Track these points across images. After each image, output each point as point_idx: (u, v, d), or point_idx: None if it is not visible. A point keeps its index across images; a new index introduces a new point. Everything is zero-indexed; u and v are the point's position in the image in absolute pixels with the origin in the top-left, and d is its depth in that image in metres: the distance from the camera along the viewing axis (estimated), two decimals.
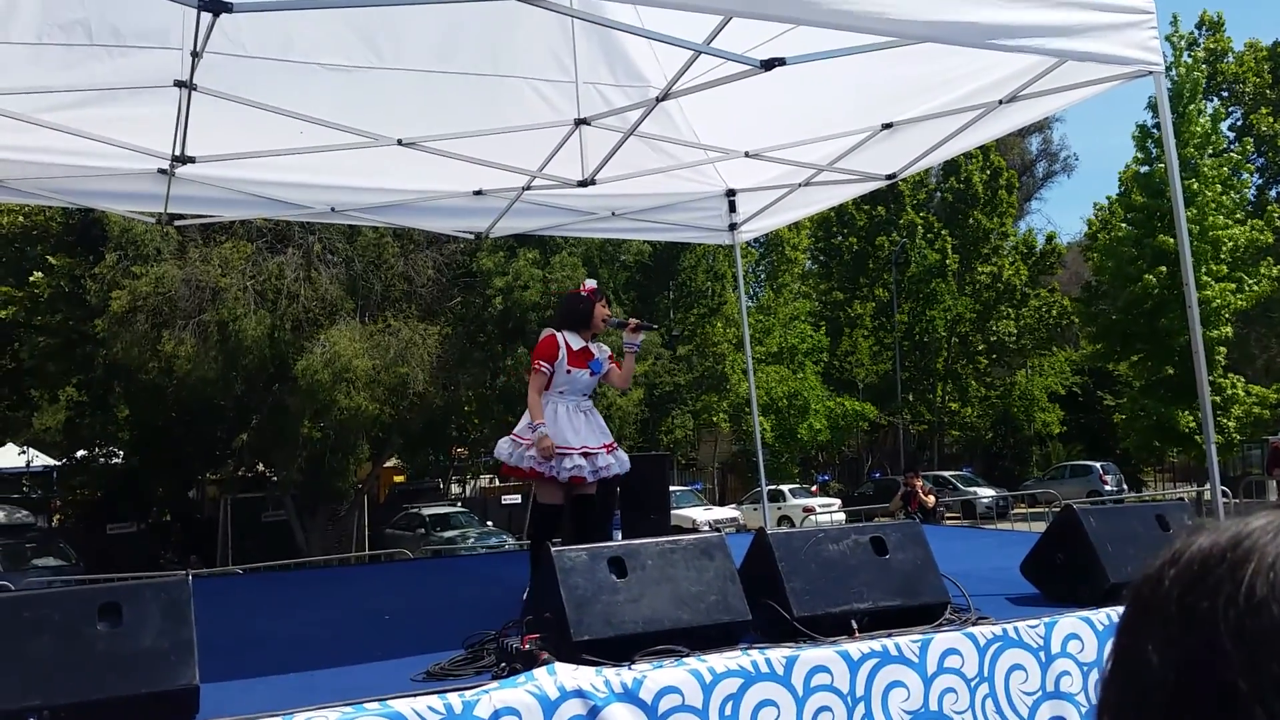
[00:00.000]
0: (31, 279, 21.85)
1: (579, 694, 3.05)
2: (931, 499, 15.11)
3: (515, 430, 5.17)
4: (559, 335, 5.17)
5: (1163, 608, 0.70)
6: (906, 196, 39.03)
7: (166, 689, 2.92)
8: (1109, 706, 0.72)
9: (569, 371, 5.09)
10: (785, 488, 31.30)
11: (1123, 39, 4.46)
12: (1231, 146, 28.39)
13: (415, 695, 2.93)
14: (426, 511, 27.73)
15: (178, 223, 7.96)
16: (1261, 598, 0.65)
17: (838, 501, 31.03)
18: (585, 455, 4.96)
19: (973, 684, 3.59)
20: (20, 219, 22.10)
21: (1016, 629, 3.75)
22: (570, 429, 5.01)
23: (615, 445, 5.20)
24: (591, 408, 5.22)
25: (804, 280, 41.03)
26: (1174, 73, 26.34)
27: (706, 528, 22.92)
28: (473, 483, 36.17)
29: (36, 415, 25.04)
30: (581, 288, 5.43)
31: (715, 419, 33.77)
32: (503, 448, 5.17)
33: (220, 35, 5.03)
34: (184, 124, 5.65)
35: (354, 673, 3.64)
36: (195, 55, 5.07)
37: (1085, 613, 3.94)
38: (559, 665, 3.12)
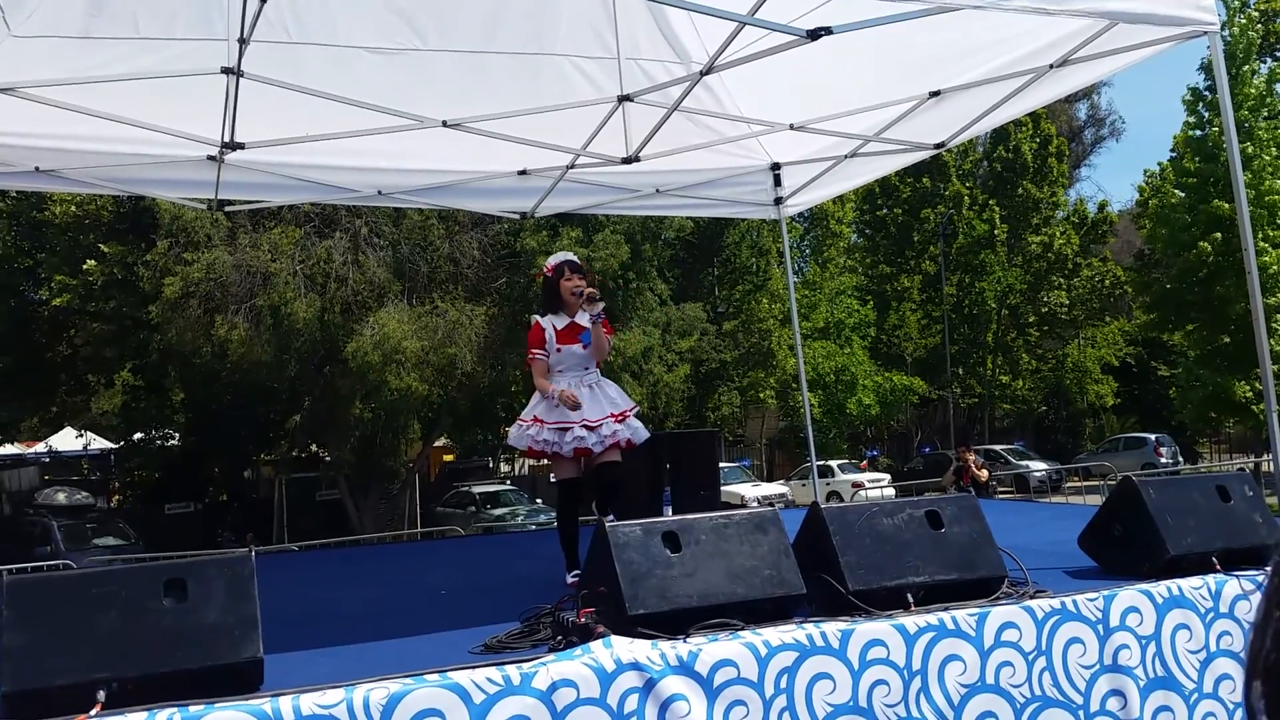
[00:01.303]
0: (85, 267, 22.26)
1: (635, 666, 3.07)
2: (984, 473, 15.05)
3: (521, 413, 5.21)
4: (542, 320, 5.19)
5: None
6: (951, 167, 38.50)
7: (231, 661, 2.98)
8: (1265, 652, 0.70)
9: (559, 350, 5.10)
10: (834, 463, 31.16)
11: None
12: None
13: (474, 667, 2.97)
14: (476, 490, 28.01)
15: (228, 209, 8.07)
16: None
17: (887, 476, 30.85)
18: (587, 428, 4.95)
19: (1030, 657, 3.56)
20: (73, 208, 22.49)
21: (1075, 602, 3.71)
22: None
23: (626, 415, 5.11)
24: (599, 380, 5.20)
25: (849, 254, 40.66)
26: (1227, 33, 25.65)
27: (756, 503, 22.92)
28: (521, 461, 36.44)
29: (93, 400, 25.60)
30: (545, 268, 5.39)
31: (762, 395, 33.66)
32: (512, 433, 5.22)
33: (265, 23, 5.08)
34: (233, 110, 5.71)
35: (412, 645, 3.69)
36: (242, 42, 5.13)
37: (1145, 585, 3.88)
38: (615, 638, 3.14)
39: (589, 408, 5.04)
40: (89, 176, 6.71)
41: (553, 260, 5.36)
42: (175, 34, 5.42)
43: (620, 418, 5.07)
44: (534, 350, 5.15)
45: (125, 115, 5.93)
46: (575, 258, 5.40)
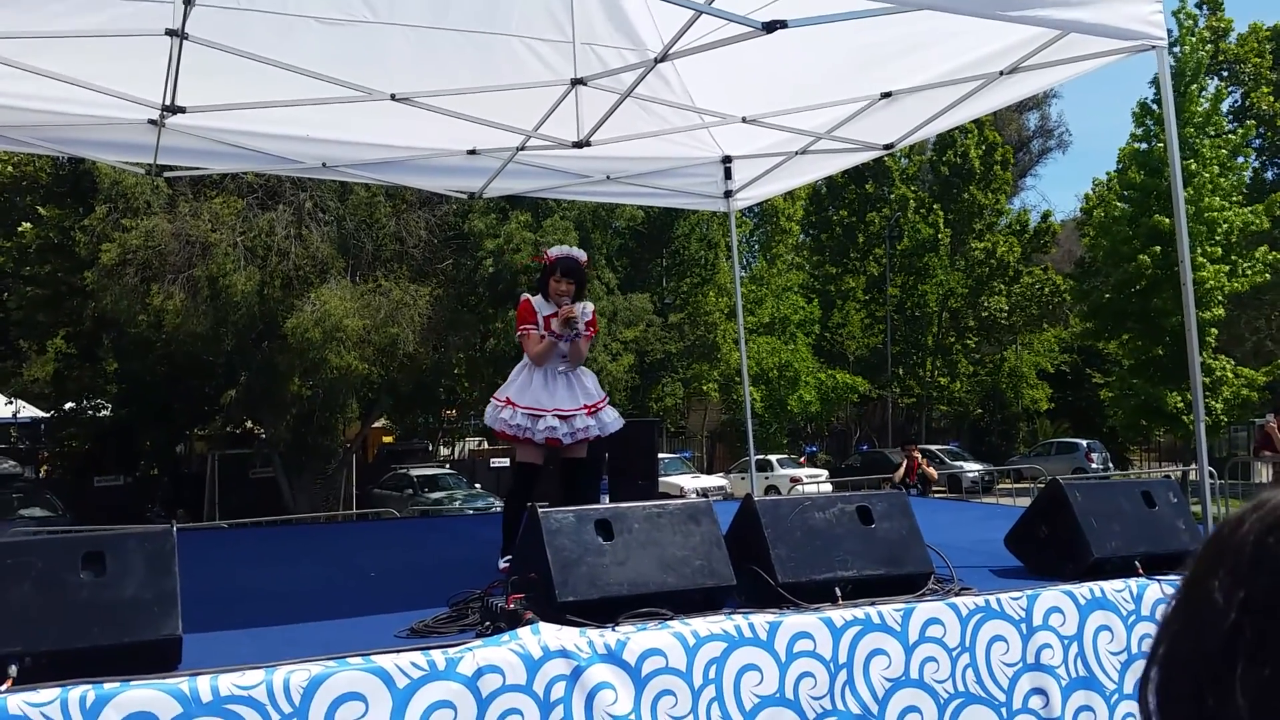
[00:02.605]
0: (20, 229, 21.70)
1: (562, 654, 3.05)
2: (933, 471, 15.62)
3: (496, 392, 5.18)
4: (533, 300, 5.16)
5: (1238, 548, 0.72)
6: (895, 171, 38.92)
7: (149, 638, 2.91)
8: (1167, 640, 0.73)
9: (543, 336, 5.06)
10: (773, 458, 31.40)
11: (1126, 12, 4.43)
12: (1231, 128, 28.27)
13: (399, 651, 2.94)
14: (415, 472, 27.78)
15: (167, 174, 7.89)
16: None
17: (825, 473, 31.15)
18: (560, 417, 4.94)
19: (954, 653, 3.61)
20: (9, 169, 21.92)
21: (999, 600, 3.76)
22: (545, 392, 5.00)
23: (599, 407, 5.11)
24: (574, 369, 5.18)
25: (797, 252, 40.95)
26: (1179, 50, 26.17)
27: (694, 495, 23.02)
28: (461, 445, 36.22)
29: (25, 366, 24.98)
30: (546, 254, 5.35)
31: (705, 388, 33.80)
32: (487, 413, 5.18)
33: None
34: (175, 73, 5.57)
35: (338, 627, 3.64)
36: (187, 3, 5.01)
37: (1068, 586, 3.95)
38: (543, 625, 3.13)
39: (563, 397, 5.02)
40: (26, 135, 6.52)
41: (554, 251, 5.27)
42: None
43: (593, 410, 5.06)
44: (525, 325, 5.10)
45: (64, 74, 5.77)
46: (578, 257, 5.23)
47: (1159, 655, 0.73)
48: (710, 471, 34.81)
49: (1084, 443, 33.65)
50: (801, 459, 34.76)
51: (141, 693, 2.64)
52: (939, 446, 34.82)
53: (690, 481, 27.76)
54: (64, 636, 2.83)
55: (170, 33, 5.26)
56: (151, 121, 6.34)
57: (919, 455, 15.77)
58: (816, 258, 40.81)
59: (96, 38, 5.47)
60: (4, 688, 2.65)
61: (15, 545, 3.11)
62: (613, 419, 5.17)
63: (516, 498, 5.15)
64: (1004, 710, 3.64)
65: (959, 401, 39.92)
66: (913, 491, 14.98)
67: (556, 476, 5.24)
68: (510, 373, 5.20)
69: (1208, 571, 0.73)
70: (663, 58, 5.56)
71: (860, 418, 43.01)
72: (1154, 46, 4.70)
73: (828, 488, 27.44)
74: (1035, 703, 3.70)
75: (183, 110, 5.97)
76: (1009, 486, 25.15)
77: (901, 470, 15.62)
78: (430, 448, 34.56)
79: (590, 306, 5.17)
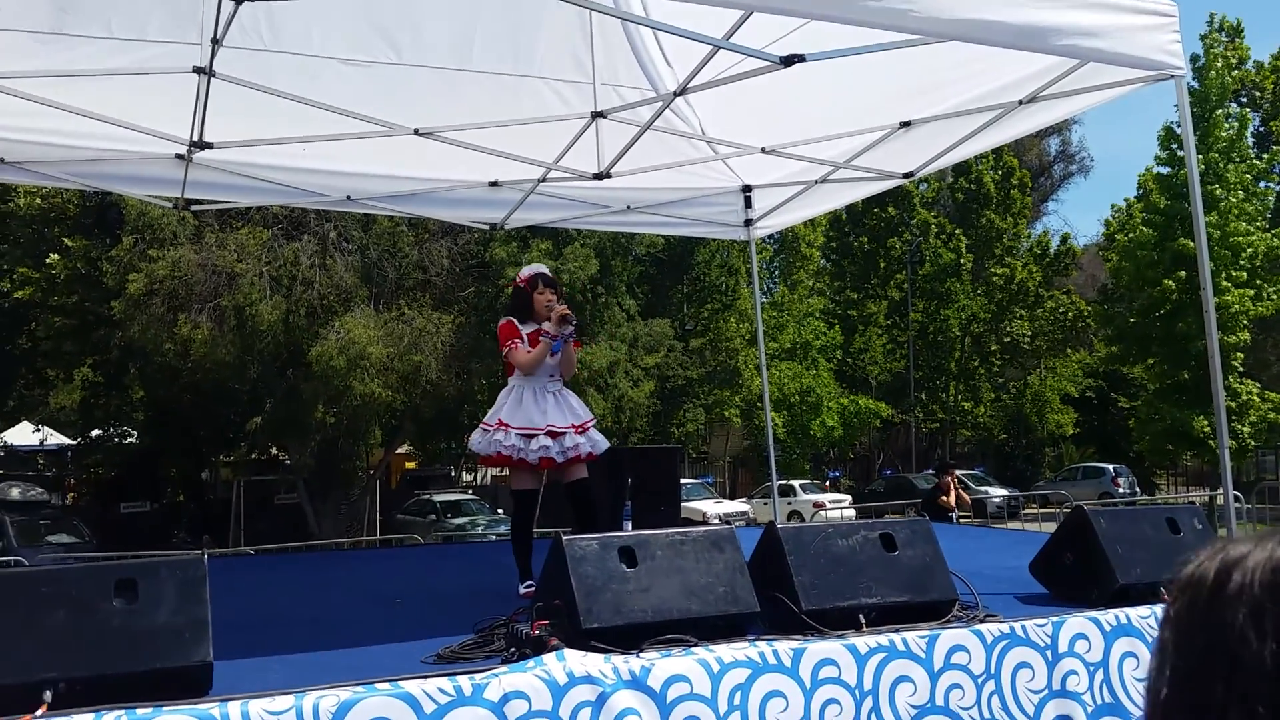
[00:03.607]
0: (48, 260, 22.00)
1: (587, 680, 3.08)
2: (967, 498, 15.31)
3: (484, 419, 5.19)
4: (514, 321, 5.19)
5: (1246, 590, 0.71)
6: (915, 196, 38.94)
7: (180, 665, 2.95)
8: (1174, 685, 0.73)
9: (529, 351, 5.09)
10: (796, 483, 31.30)
11: (1145, 41, 4.44)
12: (1256, 153, 28.17)
13: (426, 677, 2.97)
14: (438, 498, 27.84)
15: (194, 208, 8.01)
16: None
17: (848, 498, 31.01)
18: (552, 435, 4.96)
19: (979, 680, 3.61)
20: (38, 201, 22.24)
21: (1024, 627, 3.76)
22: (536, 410, 5.01)
23: (587, 426, 5.12)
24: (561, 389, 5.19)
25: (818, 278, 40.97)
26: (1206, 75, 26.10)
27: (717, 520, 22.94)
28: (484, 471, 36.28)
29: (52, 395, 25.25)
30: (519, 279, 5.40)
31: (727, 413, 33.77)
32: (474, 439, 5.18)
33: (239, 29, 5.07)
34: (203, 110, 5.68)
35: (365, 653, 3.67)
36: (215, 43, 5.12)
37: (1093, 613, 3.94)
38: (568, 651, 3.15)
39: (554, 415, 5.05)
40: (54, 170, 6.65)
41: (526, 271, 5.36)
42: (148, 36, 5.40)
43: (581, 429, 5.08)
44: (513, 340, 5.12)
45: (93, 110, 5.89)
46: (548, 271, 5.39)
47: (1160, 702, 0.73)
48: (733, 497, 34.73)
49: (1111, 467, 33.37)
50: (825, 484, 34.62)
51: (173, 717, 2.68)
52: (964, 471, 34.52)
53: (713, 507, 27.71)
54: (97, 663, 2.87)
55: (198, 70, 5.38)
56: (179, 156, 6.45)
57: (954, 479, 15.26)
58: (838, 283, 40.81)
59: (125, 75, 5.60)
60: (40, 713, 2.70)
61: (50, 574, 3.18)
62: (601, 439, 5.19)
63: (520, 526, 5.19)
64: None
65: (983, 426, 39.71)
66: (960, 518, 14.69)
67: (567, 502, 5.24)
68: (499, 399, 5.20)
69: (1222, 611, 0.72)
70: (681, 91, 5.63)
71: (883, 443, 42.82)
72: (1173, 76, 4.72)
73: (850, 513, 27.33)
74: None
75: (210, 146, 6.08)
76: (1034, 511, 24.95)
77: (951, 496, 15.02)
78: (453, 474, 34.64)
79: (571, 326, 5.17)
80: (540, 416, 5.00)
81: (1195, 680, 0.70)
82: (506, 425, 4.98)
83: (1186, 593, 0.74)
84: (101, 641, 2.91)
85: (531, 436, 4.94)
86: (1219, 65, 26.34)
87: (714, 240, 30.75)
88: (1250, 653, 0.67)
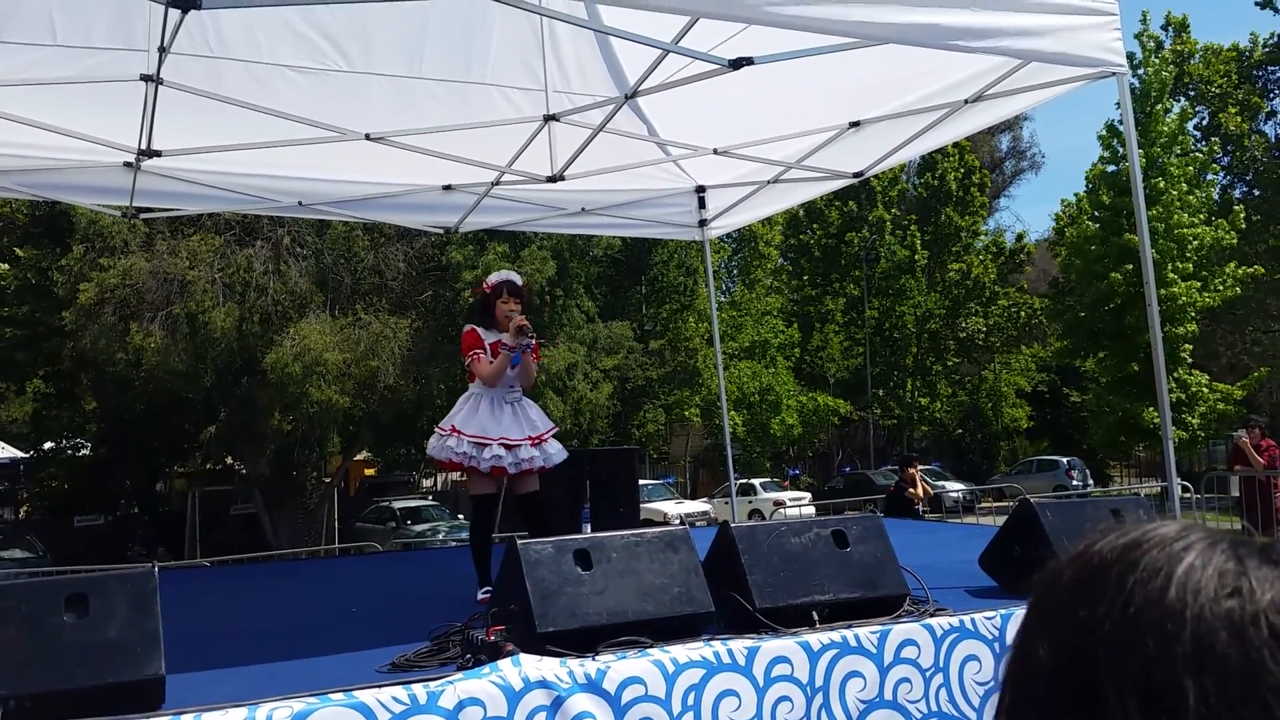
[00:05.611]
0: None
1: (543, 684, 3.09)
2: (930, 489, 15.53)
3: (440, 423, 5.19)
4: (477, 330, 5.19)
5: (1057, 603, 0.73)
6: (879, 193, 39.29)
7: (133, 679, 2.94)
8: (1005, 696, 0.74)
9: (490, 363, 5.09)
10: (756, 481, 31.46)
11: (1086, 40, 4.54)
12: (1198, 146, 28.71)
13: (380, 686, 2.97)
14: (397, 505, 27.68)
15: (144, 215, 7.92)
16: (1136, 608, 0.68)
17: (808, 495, 31.20)
18: (505, 446, 4.97)
19: (928, 674, 3.67)
20: None
21: (973, 620, 3.83)
22: (491, 420, 5.01)
23: (544, 438, 5.12)
24: (520, 399, 5.19)
25: (776, 276, 41.20)
26: (1143, 72, 26.61)
27: (677, 521, 23.00)
28: (444, 476, 36.08)
29: (2, 407, 24.82)
30: (485, 284, 5.41)
31: (687, 413, 33.86)
32: (431, 443, 5.18)
33: (186, 36, 5.04)
34: (150, 118, 5.63)
35: (320, 664, 3.66)
36: (162, 50, 5.07)
37: None
38: (523, 656, 3.17)
39: (509, 426, 5.05)
40: (1, 180, 6.56)
41: (494, 278, 5.33)
42: (94, 43, 5.34)
43: (537, 441, 5.08)
44: (475, 350, 5.11)
45: (39, 120, 5.82)
46: (517, 279, 5.33)
47: (1005, 705, 0.74)
48: (694, 497, 34.81)
49: (1064, 460, 33.87)
50: (785, 482, 34.82)
51: None
52: (921, 467, 34.91)
53: (674, 507, 27.75)
54: (48, 679, 2.85)
55: (145, 78, 5.33)
56: (127, 164, 6.39)
57: (918, 472, 15.35)
58: (795, 281, 41.06)
59: (72, 84, 5.53)
60: None
61: None
62: (556, 450, 5.18)
63: (479, 529, 5.20)
64: None
65: (939, 422, 40.13)
66: (922, 508, 14.83)
67: (517, 514, 5.25)
68: (457, 405, 5.20)
69: (1033, 625, 0.73)
70: (633, 94, 5.67)
71: (842, 439, 43.15)
72: (1115, 73, 4.82)
73: (810, 510, 27.49)
74: None
75: (158, 154, 6.03)
76: (990, 505, 25.27)
77: (920, 489, 15.04)
78: (413, 480, 34.43)
79: (530, 339, 5.17)
80: (495, 427, 5.00)
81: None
82: (460, 432, 4.98)
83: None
84: (53, 657, 2.89)
85: (483, 445, 4.94)
86: (1155, 62, 26.83)
87: (671, 240, 30.81)
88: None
